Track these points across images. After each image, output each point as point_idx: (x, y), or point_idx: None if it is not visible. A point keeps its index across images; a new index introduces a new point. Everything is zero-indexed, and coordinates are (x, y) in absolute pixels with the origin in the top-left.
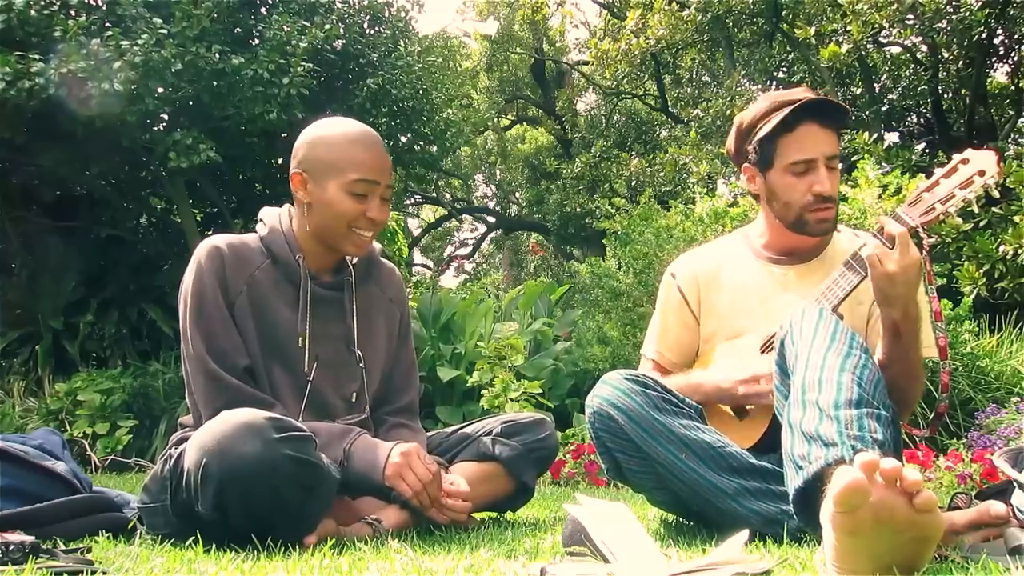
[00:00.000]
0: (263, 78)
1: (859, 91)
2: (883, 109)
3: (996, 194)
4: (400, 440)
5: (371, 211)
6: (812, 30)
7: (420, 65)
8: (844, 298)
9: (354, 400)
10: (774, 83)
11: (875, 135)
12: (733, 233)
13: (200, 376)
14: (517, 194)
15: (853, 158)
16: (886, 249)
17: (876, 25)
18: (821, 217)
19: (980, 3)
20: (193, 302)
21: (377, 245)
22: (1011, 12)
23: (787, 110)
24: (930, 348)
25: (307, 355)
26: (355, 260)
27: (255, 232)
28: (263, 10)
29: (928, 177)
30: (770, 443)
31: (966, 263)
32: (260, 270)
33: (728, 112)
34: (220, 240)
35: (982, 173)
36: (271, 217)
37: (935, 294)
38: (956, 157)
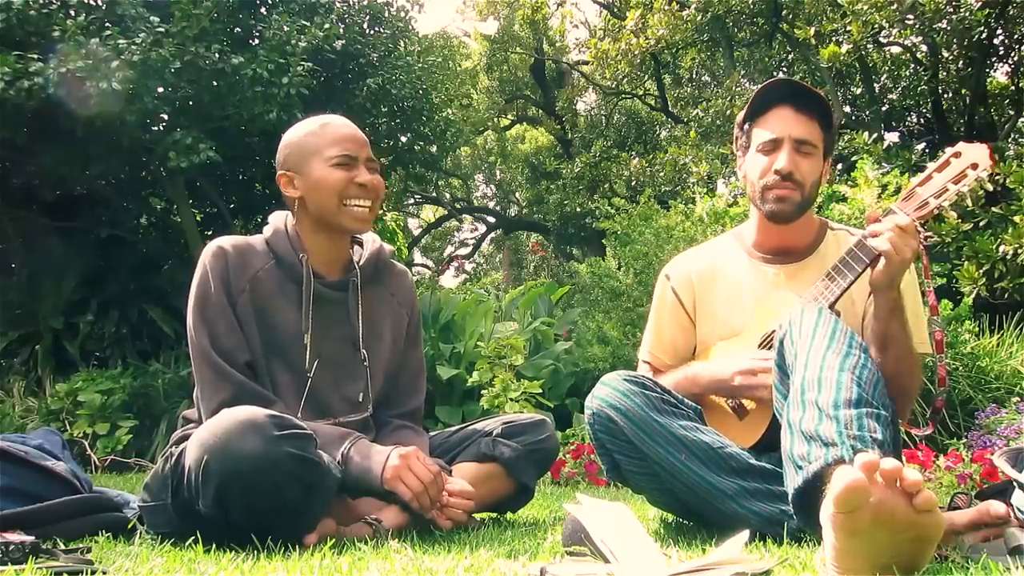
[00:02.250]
0: (263, 78)
1: (859, 91)
2: (883, 109)
3: (989, 187)
4: (402, 442)
5: (359, 177)
6: (812, 30)
7: (420, 65)
8: (840, 296)
9: (360, 400)
10: None
11: (875, 135)
12: (727, 233)
13: (205, 369)
14: (517, 194)
15: (853, 158)
16: (904, 236)
17: (876, 25)
18: (777, 195)
19: (980, 3)
20: (197, 301)
21: (388, 247)
22: (1011, 12)
23: (761, 93)
24: (925, 344)
25: (308, 353)
26: (363, 261)
27: (261, 233)
28: (263, 10)
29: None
30: (770, 443)
31: (966, 263)
32: (263, 271)
33: (728, 112)
34: (225, 241)
35: (975, 166)
36: (276, 219)
37: (931, 289)
38: (948, 151)
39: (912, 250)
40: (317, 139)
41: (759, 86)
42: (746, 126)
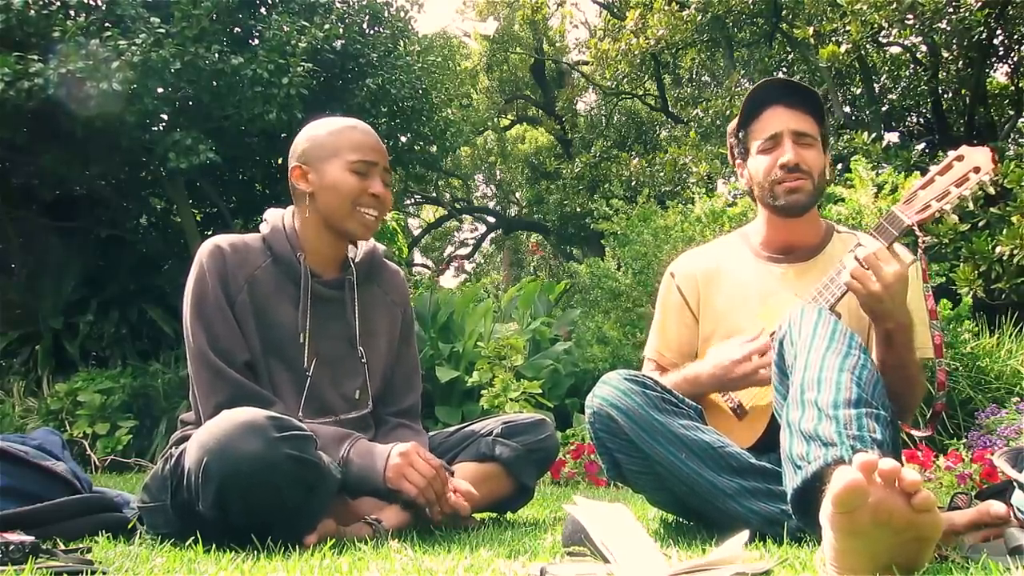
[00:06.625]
0: (263, 78)
1: (859, 91)
2: (883, 109)
3: (992, 191)
4: (400, 440)
5: (373, 187)
6: (812, 30)
7: (420, 65)
8: (841, 297)
9: (357, 397)
10: None
11: (875, 135)
12: (732, 233)
13: (203, 371)
14: (517, 194)
15: (852, 158)
16: (864, 271)
17: (875, 25)
18: (789, 187)
19: (980, 3)
20: (195, 300)
21: (381, 247)
22: (1011, 12)
23: (751, 97)
24: (926, 348)
25: (307, 352)
26: (358, 259)
27: (258, 232)
28: (263, 10)
29: (924, 175)
30: (770, 443)
31: (963, 264)
32: (261, 269)
33: (728, 112)
34: (222, 240)
35: (977, 170)
36: (274, 216)
37: (930, 292)
38: (951, 154)
39: (883, 281)
40: (340, 140)
41: (750, 90)
42: (740, 134)
